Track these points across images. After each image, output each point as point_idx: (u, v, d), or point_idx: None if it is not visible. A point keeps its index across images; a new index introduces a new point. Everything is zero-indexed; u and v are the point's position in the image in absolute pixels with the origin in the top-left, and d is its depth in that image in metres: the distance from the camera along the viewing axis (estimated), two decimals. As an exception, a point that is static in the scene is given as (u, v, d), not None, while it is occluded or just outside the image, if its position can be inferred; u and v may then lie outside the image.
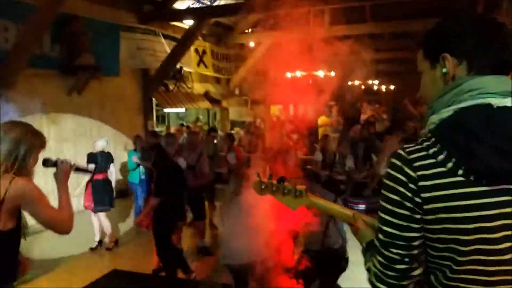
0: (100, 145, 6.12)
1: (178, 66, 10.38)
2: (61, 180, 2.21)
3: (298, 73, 9.88)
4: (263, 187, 1.49)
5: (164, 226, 4.41)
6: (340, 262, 3.44)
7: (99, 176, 5.89)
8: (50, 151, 2.28)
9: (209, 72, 12.35)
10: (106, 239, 6.10)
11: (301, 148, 6.03)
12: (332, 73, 9.73)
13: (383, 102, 16.86)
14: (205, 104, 12.38)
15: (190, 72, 11.60)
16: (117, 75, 8.97)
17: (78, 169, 2.39)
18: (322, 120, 11.34)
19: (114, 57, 8.82)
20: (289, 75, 10.14)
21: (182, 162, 5.40)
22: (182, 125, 13.61)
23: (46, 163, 2.26)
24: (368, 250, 1.31)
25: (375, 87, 18.89)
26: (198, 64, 11.67)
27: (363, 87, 18.33)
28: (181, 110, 14.95)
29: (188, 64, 11.16)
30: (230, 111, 14.46)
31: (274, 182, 1.48)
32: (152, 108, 10.60)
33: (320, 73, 9.68)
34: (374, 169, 6.28)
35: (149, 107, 10.36)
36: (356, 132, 7.97)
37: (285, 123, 13.83)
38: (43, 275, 4.86)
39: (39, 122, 7.04)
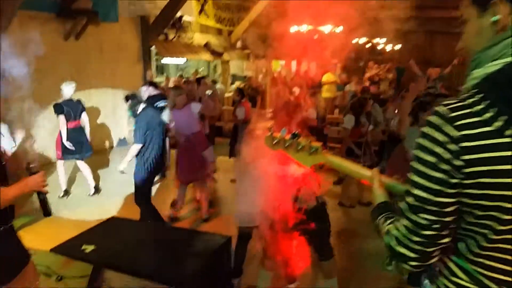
0: (67, 93, 5.72)
1: (178, 14, 10.00)
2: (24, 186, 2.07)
3: (304, 27, 9.52)
4: (275, 142, 1.43)
5: (144, 178, 4.39)
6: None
7: (70, 125, 5.67)
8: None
9: (211, 23, 11.93)
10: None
11: (306, 104, 5.88)
12: (339, 29, 9.37)
13: (388, 62, 16.52)
14: (206, 55, 12.07)
15: (190, 22, 11.20)
16: (116, 21, 8.65)
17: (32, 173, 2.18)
18: (327, 77, 11.14)
19: (113, 2, 8.47)
20: (293, 29, 9.79)
21: (196, 107, 5.22)
22: (181, 76, 13.36)
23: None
24: (379, 212, 1.25)
25: (380, 46, 18.40)
26: (200, 13, 11.25)
27: (368, 45, 17.84)
28: (181, 61, 14.66)
29: (189, 13, 10.75)
30: (231, 64, 14.13)
31: (288, 137, 1.40)
32: (151, 58, 10.31)
33: (326, 28, 9.33)
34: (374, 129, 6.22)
35: (148, 56, 10.08)
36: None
37: (288, 79, 13.61)
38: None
39: (36, 65, 6.82)
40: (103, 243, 3.06)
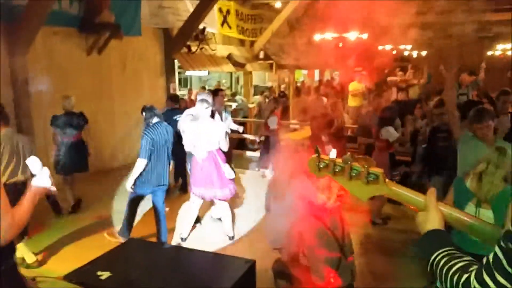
0: (68, 104, 5.61)
1: (201, 26, 9.93)
2: (34, 193, 1.85)
3: (328, 35, 9.27)
4: (321, 166, 1.15)
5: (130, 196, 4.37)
6: None
7: (68, 139, 5.51)
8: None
9: (233, 34, 11.82)
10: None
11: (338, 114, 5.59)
12: (364, 36, 9.07)
13: (414, 68, 16.05)
14: (228, 67, 11.95)
15: (213, 33, 11.12)
16: (139, 34, 8.62)
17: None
18: (353, 86, 10.68)
19: (135, 15, 8.45)
20: (317, 37, 9.56)
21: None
22: (203, 88, 13.30)
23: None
24: (436, 245, 0.98)
25: (406, 53, 17.91)
26: (222, 25, 11.15)
27: (394, 52, 17.40)
28: (204, 73, 14.62)
29: (212, 25, 10.67)
30: (253, 75, 13.98)
31: (339, 160, 1.13)
32: (174, 70, 10.26)
33: (352, 35, 9.03)
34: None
35: (171, 69, 10.03)
36: None
37: (311, 88, 13.31)
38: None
39: (59, 81, 6.84)
40: (120, 269, 2.86)
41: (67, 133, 5.52)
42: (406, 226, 4.98)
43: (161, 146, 4.34)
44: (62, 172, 5.53)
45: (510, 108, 5.88)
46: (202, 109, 4.60)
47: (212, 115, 4.88)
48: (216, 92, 6.18)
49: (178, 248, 3.51)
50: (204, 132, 4.58)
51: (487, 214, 2.44)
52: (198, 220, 5.14)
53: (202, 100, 4.65)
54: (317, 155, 1.15)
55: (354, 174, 1.10)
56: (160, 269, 2.93)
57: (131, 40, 8.51)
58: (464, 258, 0.94)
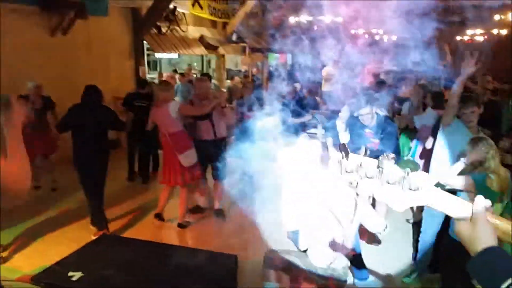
0: (33, 87, 5.47)
1: (171, 6, 9.53)
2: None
3: (303, 18, 9.10)
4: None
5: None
6: None
7: (33, 123, 5.32)
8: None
9: (204, 15, 11.44)
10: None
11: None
12: (340, 18, 8.94)
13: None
14: (200, 50, 11.60)
15: (184, 14, 10.72)
16: (106, 14, 8.16)
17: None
18: (326, 71, 10.48)
19: (102, -6, 7.98)
20: (292, 20, 9.37)
21: (174, 105, 4.72)
22: (175, 71, 12.91)
23: None
24: (499, 269, 0.84)
25: (377, 37, 17.99)
26: (193, 5, 10.76)
27: (366, 36, 17.41)
28: (174, 56, 14.18)
29: (182, 5, 10.27)
30: (226, 58, 13.66)
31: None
32: (143, 52, 9.84)
33: (327, 18, 8.88)
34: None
35: (140, 51, 9.61)
36: None
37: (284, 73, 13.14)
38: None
39: (20, 64, 6.38)
40: (92, 268, 2.67)
41: (31, 116, 5.31)
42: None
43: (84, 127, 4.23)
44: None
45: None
46: None
47: None
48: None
49: (155, 244, 3.32)
50: None
51: None
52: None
53: None
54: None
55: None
56: (136, 267, 2.75)
57: (97, 20, 8.05)
58: None
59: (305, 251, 2.79)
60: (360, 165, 0.99)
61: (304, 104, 6.62)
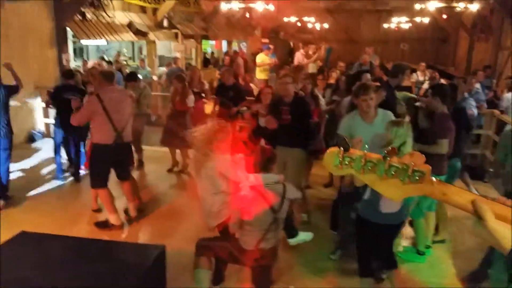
0: None
1: (96, -10, 9.06)
2: None
3: (235, 5, 9.07)
4: (346, 162, 0.92)
5: None
6: None
7: None
8: None
9: (134, 0, 10.99)
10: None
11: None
12: (271, 6, 9.03)
13: (316, 42, 16.42)
14: (129, 36, 11.16)
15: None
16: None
17: None
18: (261, 58, 10.52)
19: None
20: (224, 6, 9.30)
21: None
22: (102, 58, 12.33)
23: None
24: None
25: (310, 25, 18.40)
26: (120, -11, 10.30)
27: (298, 24, 17.73)
28: (103, 42, 13.50)
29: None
30: (158, 45, 13.26)
31: (375, 156, 0.91)
32: (66, 40, 9.26)
33: (259, 6, 8.92)
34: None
35: (63, 39, 9.02)
36: None
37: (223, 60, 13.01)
38: None
39: None
40: (8, 268, 2.51)
41: None
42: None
43: None
44: None
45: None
46: None
47: None
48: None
49: (77, 239, 3.17)
50: None
51: None
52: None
53: None
54: (339, 149, 0.92)
55: (393, 173, 0.89)
56: (58, 264, 2.64)
57: (15, 7, 7.44)
58: None
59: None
60: None
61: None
